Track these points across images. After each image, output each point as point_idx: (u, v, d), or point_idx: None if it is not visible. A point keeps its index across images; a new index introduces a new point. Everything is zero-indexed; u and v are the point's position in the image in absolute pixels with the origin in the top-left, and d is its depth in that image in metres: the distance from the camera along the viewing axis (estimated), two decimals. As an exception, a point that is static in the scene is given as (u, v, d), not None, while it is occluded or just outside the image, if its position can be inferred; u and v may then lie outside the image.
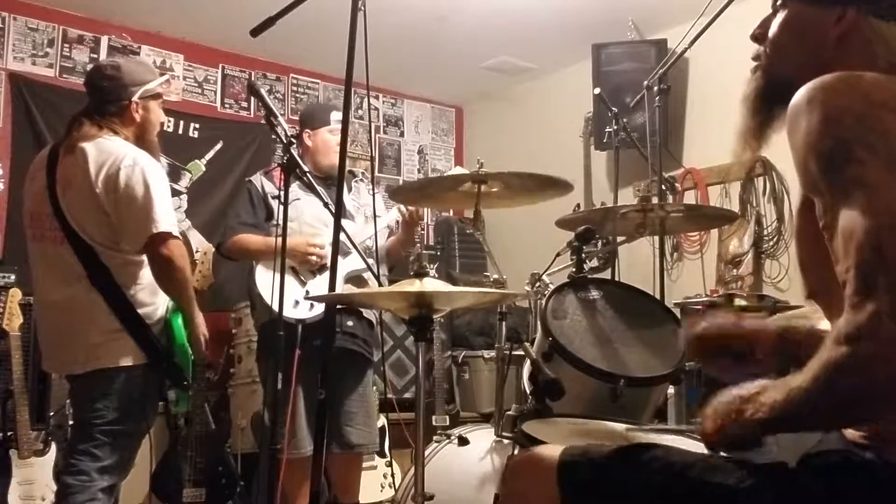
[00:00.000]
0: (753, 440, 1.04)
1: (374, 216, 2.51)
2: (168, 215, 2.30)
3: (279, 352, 2.33)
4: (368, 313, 3.08)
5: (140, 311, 2.31)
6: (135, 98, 2.41)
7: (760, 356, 1.36)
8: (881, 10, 1.14)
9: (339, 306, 2.81)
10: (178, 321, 2.42)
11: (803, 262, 1.17)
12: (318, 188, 2.47)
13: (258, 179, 3.13)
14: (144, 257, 2.32)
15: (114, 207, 2.26)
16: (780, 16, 1.23)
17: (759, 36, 1.27)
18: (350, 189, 3.25)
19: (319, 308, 2.89)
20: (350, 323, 2.99)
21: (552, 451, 1.20)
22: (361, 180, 3.54)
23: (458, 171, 2.98)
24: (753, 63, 1.29)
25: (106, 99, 2.38)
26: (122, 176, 2.24)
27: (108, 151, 2.28)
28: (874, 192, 0.92)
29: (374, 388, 3.49)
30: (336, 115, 3.11)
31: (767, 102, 1.20)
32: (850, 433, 1.03)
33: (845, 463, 1.01)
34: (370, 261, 2.65)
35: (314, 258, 2.96)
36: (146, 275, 2.33)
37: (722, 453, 1.11)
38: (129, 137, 2.38)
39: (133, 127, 2.42)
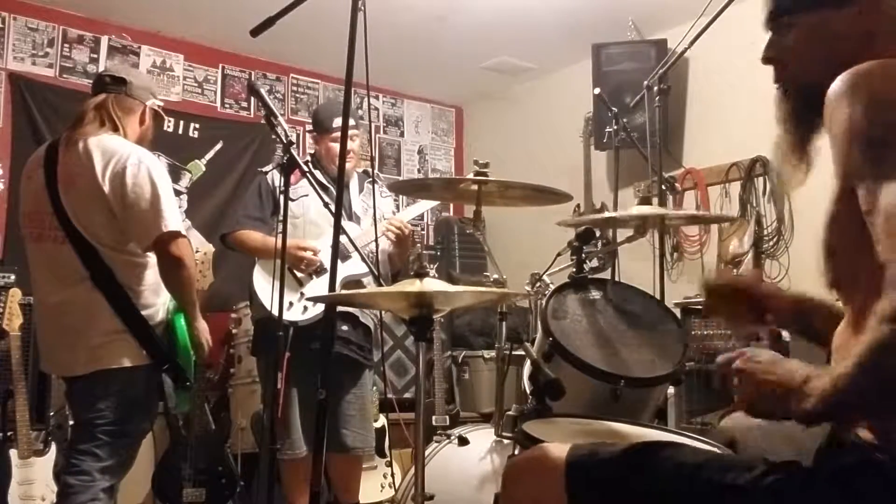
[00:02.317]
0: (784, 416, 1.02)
1: (374, 218, 2.51)
2: (175, 214, 2.30)
3: (273, 352, 2.32)
4: (366, 319, 3.05)
5: (143, 312, 2.30)
6: (149, 103, 2.45)
7: (771, 318, 1.37)
8: None
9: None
10: (181, 322, 2.41)
11: (832, 248, 1.15)
12: (318, 189, 2.44)
13: (272, 173, 3.09)
14: (149, 258, 2.31)
15: (121, 206, 2.24)
16: (794, 33, 1.23)
17: (772, 59, 1.27)
18: (361, 189, 3.22)
19: (312, 312, 2.88)
20: (345, 328, 2.95)
21: (557, 450, 1.18)
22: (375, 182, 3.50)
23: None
24: (759, 69, 1.29)
25: (128, 93, 2.40)
26: (129, 175, 2.23)
27: (113, 150, 2.27)
28: None
29: (374, 388, 3.48)
30: (339, 122, 3.07)
31: (807, 115, 1.20)
32: (864, 434, 1.02)
33: (859, 464, 1.00)
34: (371, 263, 2.63)
35: (303, 264, 2.94)
36: (149, 276, 2.33)
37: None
38: (129, 137, 2.38)
39: (140, 129, 2.43)
